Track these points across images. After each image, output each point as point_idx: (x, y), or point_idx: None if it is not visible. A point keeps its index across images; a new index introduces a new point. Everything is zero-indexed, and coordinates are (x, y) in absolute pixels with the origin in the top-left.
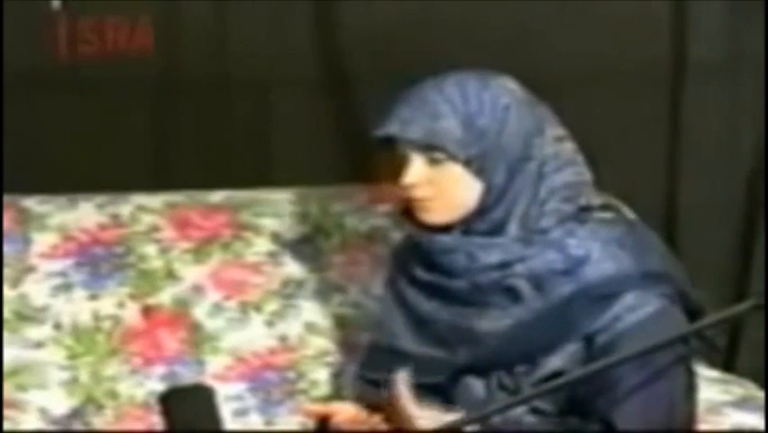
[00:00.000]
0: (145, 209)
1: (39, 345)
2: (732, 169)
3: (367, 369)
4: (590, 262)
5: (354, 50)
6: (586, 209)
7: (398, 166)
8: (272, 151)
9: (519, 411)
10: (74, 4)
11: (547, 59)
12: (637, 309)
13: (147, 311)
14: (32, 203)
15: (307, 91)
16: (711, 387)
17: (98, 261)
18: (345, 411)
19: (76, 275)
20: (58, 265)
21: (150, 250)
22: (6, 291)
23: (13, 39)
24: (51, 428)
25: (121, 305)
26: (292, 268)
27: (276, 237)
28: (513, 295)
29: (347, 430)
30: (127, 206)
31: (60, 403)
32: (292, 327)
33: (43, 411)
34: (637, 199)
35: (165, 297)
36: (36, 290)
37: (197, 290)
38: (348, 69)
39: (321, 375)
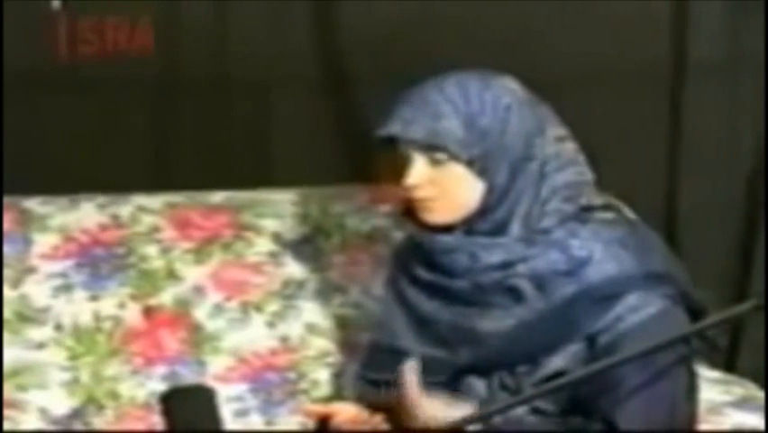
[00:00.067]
0: (146, 210)
1: (40, 345)
2: (732, 169)
3: (368, 369)
4: (593, 263)
5: (354, 50)
6: (587, 209)
7: (399, 166)
8: (272, 151)
9: (521, 411)
10: (74, 4)
11: (547, 59)
12: (640, 310)
13: (148, 312)
14: (32, 204)
15: (307, 91)
16: (712, 387)
17: (99, 261)
18: (346, 412)
19: (76, 276)
20: (58, 266)
21: (151, 250)
22: (7, 292)
23: (13, 39)
24: (52, 428)
25: (122, 305)
26: (293, 268)
27: (276, 238)
28: (515, 295)
29: (348, 431)
30: (128, 206)
31: (61, 404)
32: (293, 328)
33: (44, 412)
34: (637, 199)
35: (166, 297)
36: (37, 290)
37: (198, 290)
38: (348, 69)
39: (322, 376)
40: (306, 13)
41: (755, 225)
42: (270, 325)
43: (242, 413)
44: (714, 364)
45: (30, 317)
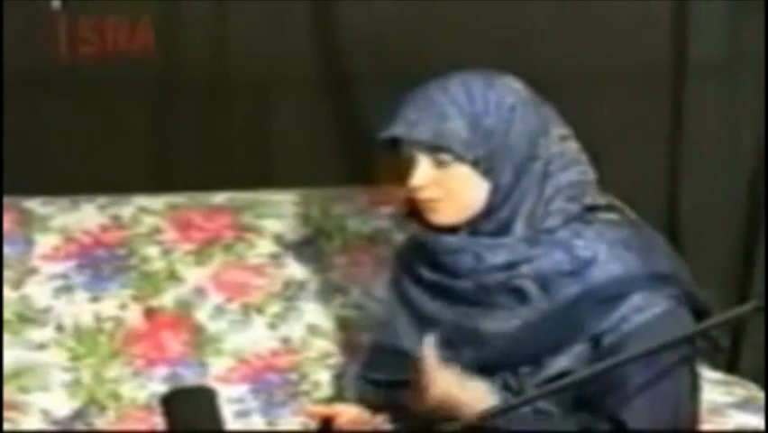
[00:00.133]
0: (147, 211)
1: (41, 346)
2: (733, 169)
3: (370, 370)
4: (597, 264)
5: (354, 50)
6: (591, 209)
7: (400, 167)
8: (272, 151)
9: (524, 412)
10: (74, 4)
11: (548, 59)
12: (644, 310)
13: (149, 313)
14: (33, 205)
15: (307, 91)
16: (714, 388)
17: (100, 262)
18: (347, 413)
19: (78, 277)
20: (60, 267)
21: (152, 251)
22: (8, 293)
23: (13, 39)
24: (54, 429)
25: (123, 307)
26: (294, 270)
27: (278, 239)
28: (519, 296)
29: (349, 431)
30: (129, 207)
31: (63, 405)
32: (294, 329)
33: (45, 413)
34: (638, 200)
35: (167, 299)
36: (38, 291)
37: (200, 291)
38: (348, 69)
39: (323, 377)
40: (306, 13)
41: (756, 225)
42: (272, 326)
43: (243, 414)
44: (715, 365)
45: (31, 318)
